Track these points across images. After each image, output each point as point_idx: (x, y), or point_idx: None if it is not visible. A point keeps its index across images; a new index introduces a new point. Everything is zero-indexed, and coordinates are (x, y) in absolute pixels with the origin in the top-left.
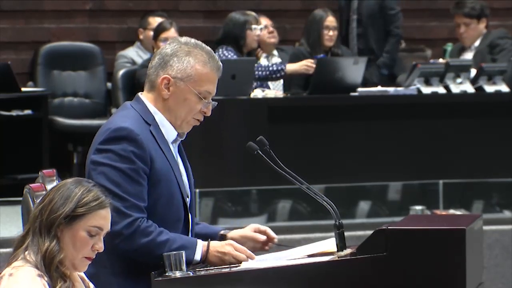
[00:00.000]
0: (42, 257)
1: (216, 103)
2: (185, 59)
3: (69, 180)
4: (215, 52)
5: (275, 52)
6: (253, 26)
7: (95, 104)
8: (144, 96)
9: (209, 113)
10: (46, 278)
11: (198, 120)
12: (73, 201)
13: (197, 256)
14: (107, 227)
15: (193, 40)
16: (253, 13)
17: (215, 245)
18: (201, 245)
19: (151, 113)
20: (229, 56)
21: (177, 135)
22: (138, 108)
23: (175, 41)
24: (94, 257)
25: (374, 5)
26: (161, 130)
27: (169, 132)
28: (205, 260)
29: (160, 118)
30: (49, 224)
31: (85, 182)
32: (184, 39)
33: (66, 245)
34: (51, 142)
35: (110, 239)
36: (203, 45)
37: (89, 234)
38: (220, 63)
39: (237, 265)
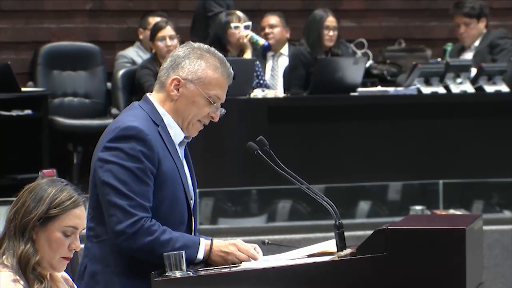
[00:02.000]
0: (17, 260)
1: (225, 110)
2: (196, 62)
3: (42, 180)
4: None
5: (283, 50)
6: (233, 25)
7: (95, 104)
8: (153, 97)
9: (217, 119)
10: (22, 282)
11: (203, 123)
12: (46, 202)
13: (200, 255)
14: (82, 225)
15: (206, 46)
16: (238, 12)
17: (218, 244)
18: (204, 244)
19: (159, 114)
20: None
21: (184, 137)
22: (146, 109)
23: (187, 44)
24: (71, 256)
25: (199, 5)
26: (169, 132)
27: (177, 134)
28: (208, 259)
29: (168, 119)
30: (23, 227)
31: (58, 182)
32: (197, 44)
33: (42, 246)
34: (51, 142)
35: (114, 237)
36: (216, 51)
37: (64, 235)
38: (232, 70)
39: (237, 265)
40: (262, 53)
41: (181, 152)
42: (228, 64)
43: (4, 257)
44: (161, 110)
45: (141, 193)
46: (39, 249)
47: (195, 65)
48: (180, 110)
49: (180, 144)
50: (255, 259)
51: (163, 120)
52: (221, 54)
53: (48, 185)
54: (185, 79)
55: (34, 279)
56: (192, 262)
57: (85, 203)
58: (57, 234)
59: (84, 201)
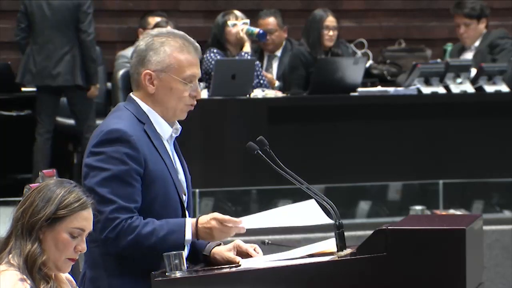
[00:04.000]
0: (24, 260)
1: (203, 84)
2: (161, 50)
3: (51, 181)
4: (203, 56)
5: (279, 53)
6: (230, 23)
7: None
8: (135, 96)
9: (199, 96)
10: (29, 281)
11: (191, 105)
12: (54, 203)
13: (188, 236)
14: (89, 227)
15: (164, 30)
16: (235, 11)
17: (201, 221)
18: (190, 223)
19: (144, 112)
20: (215, 57)
21: (172, 131)
22: (131, 108)
23: (147, 35)
24: (77, 258)
25: None
26: (155, 129)
27: (164, 130)
28: (198, 237)
29: (154, 116)
30: (30, 226)
31: (66, 183)
32: (155, 31)
33: (48, 247)
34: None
35: (102, 245)
36: (176, 31)
37: (71, 236)
38: (197, 44)
39: (236, 265)
40: (260, 42)
41: (170, 148)
42: (191, 39)
43: (10, 256)
44: (145, 107)
45: (125, 195)
46: (46, 249)
47: (161, 54)
48: (162, 101)
49: (168, 139)
50: (237, 224)
51: (148, 118)
52: (182, 33)
53: (57, 186)
54: (156, 71)
55: (40, 279)
56: (182, 244)
57: (92, 206)
58: (64, 235)
59: (92, 203)
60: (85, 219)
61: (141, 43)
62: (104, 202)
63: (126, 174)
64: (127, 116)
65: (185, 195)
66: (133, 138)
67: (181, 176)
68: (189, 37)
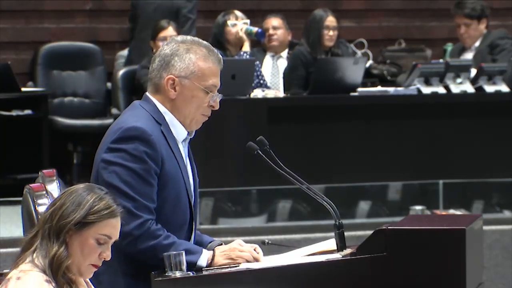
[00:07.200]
0: (49, 262)
1: (222, 95)
2: (186, 57)
3: (81, 185)
4: None
5: (284, 53)
6: (230, 22)
7: (95, 104)
8: (152, 96)
9: (217, 106)
10: (53, 284)
11: (206, 115)
12: (85, 208)
13: (202, 262)
14: (116, 235)
15: (189, 37)
16: (235, 11)
17: (219, 258)
18: (206, 253)
19: (161, 113)
20: None
21: (187, 134)
22: (148, 108)
23: (172, 40)
24: (100, 265)
25: None
26: (171, 130)
27: (179, 132)
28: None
29: (170, 118)
30: (58, 229)
31: (97, 189)
32: (180, 37)
33: (74, 251)
34: (51, 142)
35: (120, 239)
36: (200, 40)
37: (97, 242)
38: (220, 55)
39: (236, 265)
40: (257, 41)
41: (184, 150)
42: (216, 50)
43: (34, 255)
44: (162, 108)
45: (146, 194)
46: (71, 253)
47: (186, 60)
48: (181, 107)
49: (183, 141)
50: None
51: (165, 119)
52: (206, 42)
53: (88, 191)
54: (179, 77)
55: (64, 283)
56: (193, 267)
57: (121, 215)
58: (91, 241)
59: (121, 212)
60: (114, 227)
61: (166, 48)
62: (125, 197)
63: (146, 173)
64: (145, 115)
65: (192, 197)
66: (152, 137)
67: (191, 179)
68: (213, 48)
